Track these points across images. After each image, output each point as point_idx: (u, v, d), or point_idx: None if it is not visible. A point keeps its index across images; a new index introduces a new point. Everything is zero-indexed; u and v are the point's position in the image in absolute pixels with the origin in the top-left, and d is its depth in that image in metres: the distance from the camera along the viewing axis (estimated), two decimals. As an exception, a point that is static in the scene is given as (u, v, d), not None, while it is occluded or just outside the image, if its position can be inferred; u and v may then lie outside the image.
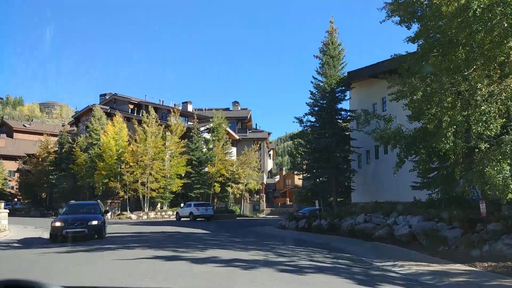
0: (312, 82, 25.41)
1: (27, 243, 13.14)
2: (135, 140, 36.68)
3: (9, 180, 54.44)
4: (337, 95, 25.17)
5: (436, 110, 11.00)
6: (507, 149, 9.17)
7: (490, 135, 10.46)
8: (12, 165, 55.65)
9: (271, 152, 65.86)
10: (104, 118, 42.21)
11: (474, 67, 11.34)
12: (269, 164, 63.70)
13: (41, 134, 51.52)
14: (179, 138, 38.75)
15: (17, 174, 52.85)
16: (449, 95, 10.93)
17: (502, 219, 10.84)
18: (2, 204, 17.99)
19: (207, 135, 42.26)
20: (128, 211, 36.66)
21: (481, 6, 9.53)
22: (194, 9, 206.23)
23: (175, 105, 49.52)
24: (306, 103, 25.46)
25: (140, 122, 38.43)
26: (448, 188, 13.63)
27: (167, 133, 38.44)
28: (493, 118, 10.34)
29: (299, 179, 38.49)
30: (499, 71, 11.53)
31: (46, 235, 16.25)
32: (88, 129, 42.42)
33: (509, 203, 10.93)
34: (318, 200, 21.95)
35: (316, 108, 25.36)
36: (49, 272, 7.00)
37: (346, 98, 26.19)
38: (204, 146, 41.18)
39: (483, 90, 10.43)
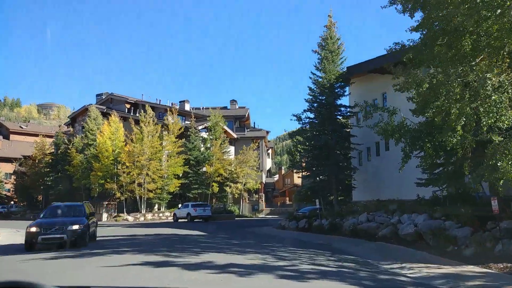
0: (310, 78, 24.79)
1: (13, 249, 12.45)
2: (132, 140, 36.02)
3: (6, 183, 53.71)
4: (336, 90, 24.52)
5: (443, 102, 10.34)
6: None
7: (502, 127, 9.82)
8: (9, 167, 54.90)
9: (269, 151, 65.22)
10: (100, 118, 41.52)
11: (482, 56, 10.71)
12: (268, 163, 63.04)
13: (38, 135, 50.82)
14: (176, 138, 38.12)
15: (13, 177, 52.10)
16: (457, 86, 10.30)
17: (515, 217, 10.20)
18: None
19: (204, 134, 41.61)
20: (125, 213, 35.98)
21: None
22: (191, 7, 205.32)
23: (172, 104, 48.83)
24: (305, 99, 24.85)
25: (137, 122, 37.77)
26: (456, 184, 12.97)
27: (164, 133, 37.78)
28: (504, 109, 9.72)
29: (298, 177, 37.85)
30: (508, 60, 10.91)
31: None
32: (84, 130, 41.75)
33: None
34: (318, 199, 21.33)
35: (315, 105, 24.70)
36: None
37: (346, 93, 25.52)
38: (202, 145, 40.54)
39: (493, 79, 9.80)
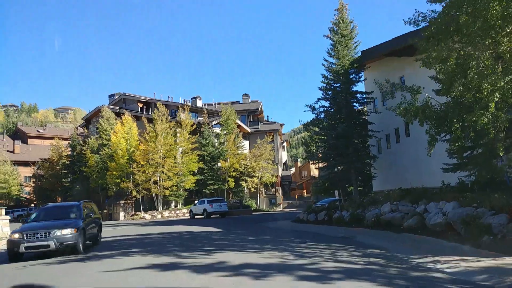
0: (323, 65, 23.75)
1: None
2: (145, 139, 35.91)
3: (25, 186, 54.83)
4: (351, 77, 23.41)
5: (473, 78, 9.30)
6: None
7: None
8: (28, 171, 56.03)
9: (284, 144, 64.31)
10: (113, 118, 41.62)
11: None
12: (284, 156, 62.21)
13: (55, 138, 51.56)
14: (190, 134, 37.82)
15: (33, 180, 53.13)
16: (487, 58, 9.24)
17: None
18: (3, 211, 17.18)
19: (218, 130, 41.14)
20: (142, 211, 35.99)
21: None
22: (199, 3, 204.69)
23: (184, 101, 48.58)
24: (319, 87, 23.83)
25: (150, 120, 37.66)
26: (487, 168, 11.87)
27: (177, 130, 37.50)
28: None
29: (315, 168, 36.90)
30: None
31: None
32: (98, 130, 41.97)
33: None
34: (337, 190, 20.46)
35: (329, 93, 23.68)
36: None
37: (361, 79, 24.35)
38: (216, 141, 40.12)
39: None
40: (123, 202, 37.41)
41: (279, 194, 46.58)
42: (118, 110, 44.03)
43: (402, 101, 10.96)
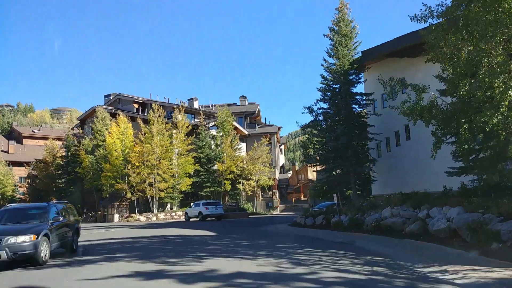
0: (323, 66, 23.22)
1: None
2: (140, 140, 35.26)
3: (20, 187, 53.87)
4: (351, 78, 22.89)
5: (484, 75, 8.74)
6: None
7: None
8: (23, 172, 55.03)
9: (282, 147, 63.74)
10: (108, 118, 40.94)
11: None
12: (281, 159, 61.62)
13: (54, 139, 50.74)
14: (186, 135, 37.22)
15: (27, 180, 52.20)
16: (499, 54, 8.69)
17: None
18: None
19: (214, 132, 40.53)
20: (137, 213, 35.25)
21: None
22: (197, 3, 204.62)
23: (181, 102, 47.97)
24: (317, 88, 23.28)
25: (145, 121, 37.01)
26: (495, 172, 11.30)
27: (173, 131, 36.88)
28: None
29: (313, 171, 36.33)
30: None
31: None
32: (92, 131, 41.26)
33: None
34: (336, 194, 19.85)
35: (328, 94, 23.15)
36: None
37: (361, 80, 23.83)
38: (212, 143, 39.50)
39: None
40: (118, 203, 36.65)
41: (276, 197, 45.93)
42: (113, 111, 43.35)
43: (406, 99, 10.38)
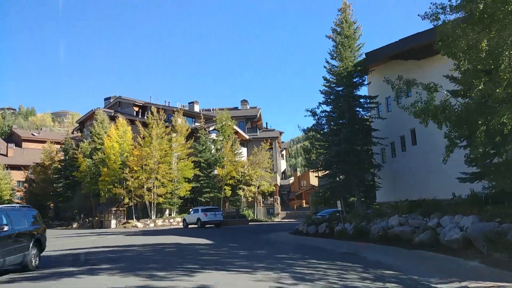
0: (325, 67, 22.53)
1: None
2: (139, 144, 34.54)
3: (18, 191, 53.10)
4: (354, 80, 22.16)
5: (505, 70, 7.95)
6: None
7: None
8: (21, 175, 54.34)
9: (283, 152, 62.93)
10: (107, 121, 40.30)
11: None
12: (282, 165, 60.75)
13: (52, 143, 50.12)
14: (186, 139, 36.50)
15: (24, 185, 51.46)
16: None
17: None
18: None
19: (215, 136, 39.80)
20: (134, 219, 34.41)
21: None
22: (198, 6, 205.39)
23: (182, 105, 47.38)
24: (320, 90, 22.55)
25: (144, 125, 36.34)
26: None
27: (173, 135, 36.17)
28: None
29: (315, 176, 35.40)
30: None
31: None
32: (91, 134, 40.61)
33: None
34: (339, 201, 19.00)
35: (331, 97, 22.40)
36: None
37: (365, 83, 23.11)
38: (213, 147, 38.74)
39: None
40: (115, 209, 35.80)
41: (277, 203, 45.00)
42: (113, 114, 42.74)
43: (417, 99, 9.59)
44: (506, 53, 7.83)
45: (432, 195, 16.92)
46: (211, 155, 37.87)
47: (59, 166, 43.53)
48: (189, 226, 29.30)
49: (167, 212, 36.75)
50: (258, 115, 51.49)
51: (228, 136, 38.80)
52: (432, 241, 12.40)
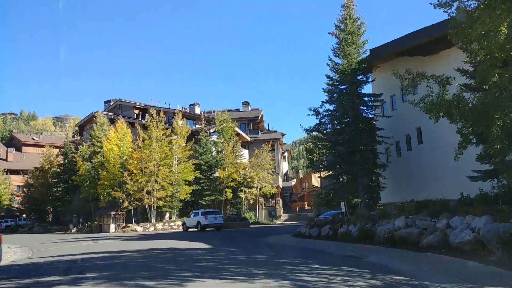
0: (328, 65, 21.91)
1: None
2: (138, 146, 33.99)
3: (17, 196, 52.71)
4: (358, 77, 21.54)
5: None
6: None
7: None
8: (21, 180, 53.95)
9: (285, 154, 62.28)
10: (107, 124, 39.80)
11: None
12: (284, 167, 60.08)
13: (52, 147, 49.71)
14: (186, 141, 35.94)
15: (25, 189, 51.04)
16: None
17: None
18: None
19: (216, 138, 39.22)
20: (134, 223, 33.80)
21: None
22: (198, 7, 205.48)
23: (182, 108, 46.88)
24: (323, 89, 21.91)
25: (145, 127, 35.81)
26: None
27: (173, 137, 35.61)
28: None
29: (318, 177, 34.77)
30: None
31: (14, 258, 13.32)
32: (90, 137, 40.13)
33: None
34: (343, 202, 18.34)
35: (335, 95, 21.78)
36: None
37: (369, 80, 22.46)
38: (214, 149, 38.14)
39: None
40: (114, 213, 35.19)
41: (279, 206, 44.29)
42: (113, 117, 42.27)
43: (428, 93, 8.95)
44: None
45: (439, 195, 16.23)
46: (212, 157, 37.28)
47: (58, 170, 43.05)
48: (189, 229, 28.67)
49: (167, 215, 36.14)
50: (259, 116, 50.93)
51: (229, 138, 38.23)
52: (441, 243, 11.77)
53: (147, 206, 33.96)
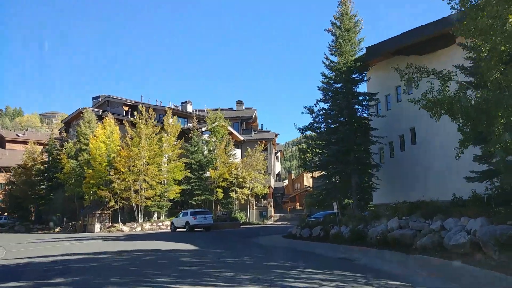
0: (324, 63, 21.49)
1: None
2: (127, 144, 33.08)
3: (-2, 194, 51.12)
4: (354, 76, 21.16)
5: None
6: None
7: None
8: (3, 178, 52.38)
9: (278, 154, 61.86)
10: (94, 121, 38.74)
11: None
12: (277, 167, 59.66)
13: (35, 143, 48.29)
14: (177, 140, 35.16)
15: (6, 187, 49.54)
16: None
17: None
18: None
19: (208, 137, 38.53)
20: (120, 223, 32.88)
21: None
22: (191, 5, 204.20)
23: (175, 106, 46.03)
24: (318, 87, 21.46)
25: (134, 125, 34.90)
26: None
27: (163, 135, 34.81)
28: None
29: (310, 177, 34.34)
30: None
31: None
32: (77, 134, 39.01)
33: None
34: (335, 203, 17.90)
35: (330, 94, 21.38)
36: None
37: (365, 79, 22.13)
38: (205, 148, 37.45)
39: None
40: (99, 212, 34.19)
41: (270, 206, 43.82)
42: (101, 113, 41.20)
43: (428, 89, 8.51)
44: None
45: (431, 196, 15.98)
46: (203, 156, 36.58)
47: (42, 167, 41.75)
48: (178, 230, 27.97)
49: (155, 215, 35.31)
50: (253, 116, 50.38)
51: (222, 137, 37.59)
52: (435, 245, 11.37)
53: (134, 206, 33.11)
